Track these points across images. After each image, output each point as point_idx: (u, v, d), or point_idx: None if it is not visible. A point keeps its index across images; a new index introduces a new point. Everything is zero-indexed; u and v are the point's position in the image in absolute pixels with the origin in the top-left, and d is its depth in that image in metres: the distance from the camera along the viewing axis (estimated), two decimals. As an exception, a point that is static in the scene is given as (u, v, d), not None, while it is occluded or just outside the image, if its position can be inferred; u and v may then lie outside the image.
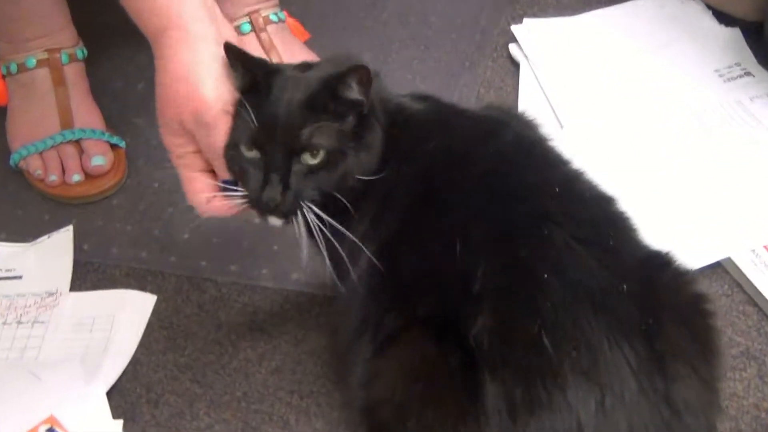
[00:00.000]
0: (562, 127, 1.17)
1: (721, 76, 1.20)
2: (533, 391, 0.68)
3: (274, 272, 1.06)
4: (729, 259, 0.99)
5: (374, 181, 0.77)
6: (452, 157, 0.79)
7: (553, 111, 1.20)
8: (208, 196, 0.80)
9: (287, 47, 1.22)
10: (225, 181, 0.80)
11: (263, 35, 1.21)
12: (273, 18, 1.22)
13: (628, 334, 0.70)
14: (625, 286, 0.72)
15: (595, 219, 0.77)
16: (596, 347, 0.69)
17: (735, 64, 1.21)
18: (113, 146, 1.20)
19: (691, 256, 0.96)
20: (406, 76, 1.31)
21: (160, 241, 1.11)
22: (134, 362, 0.98)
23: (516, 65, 1.29)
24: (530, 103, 1.21)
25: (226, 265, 1.07)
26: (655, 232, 1.00)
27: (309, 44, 1.31)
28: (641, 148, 1.12)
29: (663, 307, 0.73)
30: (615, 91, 1.20)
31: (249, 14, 1.21)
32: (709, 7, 1.30)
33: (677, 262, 0.78)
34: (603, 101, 1.19)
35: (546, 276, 0.71)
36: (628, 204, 1.03)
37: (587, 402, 0.67)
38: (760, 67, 1.21)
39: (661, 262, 0.78)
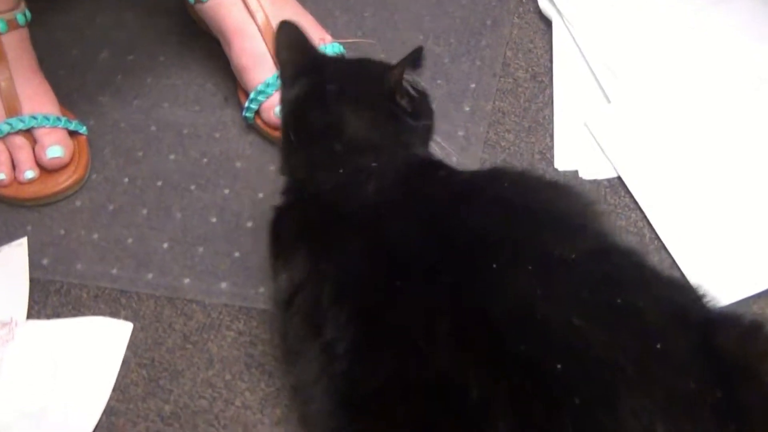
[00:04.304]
0: (609, 101, 0.98)
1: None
2: None
3: (273, 290, 0.88)
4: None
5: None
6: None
7: (597, 80, 1.00)
8: None
9: (276, 10, 1.01)
10: None
11: None
12: (261, -30, 1.02)
13: (689, 408, 0.53)
14: (659, 345, 0.55)
15: (597, 281, 0.60)
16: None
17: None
18: (72, 133, 1.01)
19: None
20: (417, 36, 1.11)
21: (135, 254, 0.93)
22: (108, 412, 0.81)
23: (547, 23, 1.09)
24: (567, 71, 1.02)
25: (215, 282, 0.89)
26: (720, 241, 0.85)
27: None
28: (707, 130, 0.93)
29: (734, 374, 0.56)
30: (670, 56, 1.01)
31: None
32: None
33: (747, 318, 0.60)
34: (656, 68, 1.00)
35: (559, 367, 0.55)
36: (688, 204, 0.87)
37: None
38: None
39: (719, 318, 0.61)
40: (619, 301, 0.58)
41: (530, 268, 0.59)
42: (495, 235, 0.63)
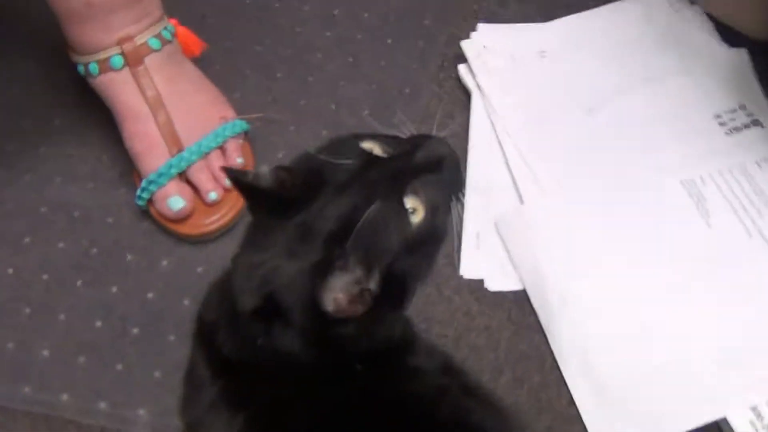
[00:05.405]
0: (522, 201, 0.93)
1: (722, 125, 0.95)
2: None
3: (153, 412, 0.84)
4: (724, 420, 0.78)
5: None
6: None
7: (510, 173, 0.95)
8: None
9: (172, 87, 0.94)
10: None
11: (140, 71, 0.93)
12: (154, 44, 0.93)
13: None
14: None
15: None
16: None
17: (739, 107, 0.96)
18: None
19: (673, 416, 0.78)
20: (329, 106, 1.04)
21: (14, 361, 0.88)
22: None
23: (468, 94, 1.02)
24: (482, 156, 0.96)
25: (94, 400, 0.85)
26: (623, 390, 0.80)
27: (204, 58, 1.03)
28: (623, 239, 0.88)
29: None
30: (589, 147, 0.95)
31: (120, 42, 0.92)
32: (711, 18, 1.03)
33: None
34: (575, 162, 0.94)
35: None
36: (593, 336, 0.82)
37: None
38: (770, 112, 0.96)
39: None
40: None
41: None
42: None
